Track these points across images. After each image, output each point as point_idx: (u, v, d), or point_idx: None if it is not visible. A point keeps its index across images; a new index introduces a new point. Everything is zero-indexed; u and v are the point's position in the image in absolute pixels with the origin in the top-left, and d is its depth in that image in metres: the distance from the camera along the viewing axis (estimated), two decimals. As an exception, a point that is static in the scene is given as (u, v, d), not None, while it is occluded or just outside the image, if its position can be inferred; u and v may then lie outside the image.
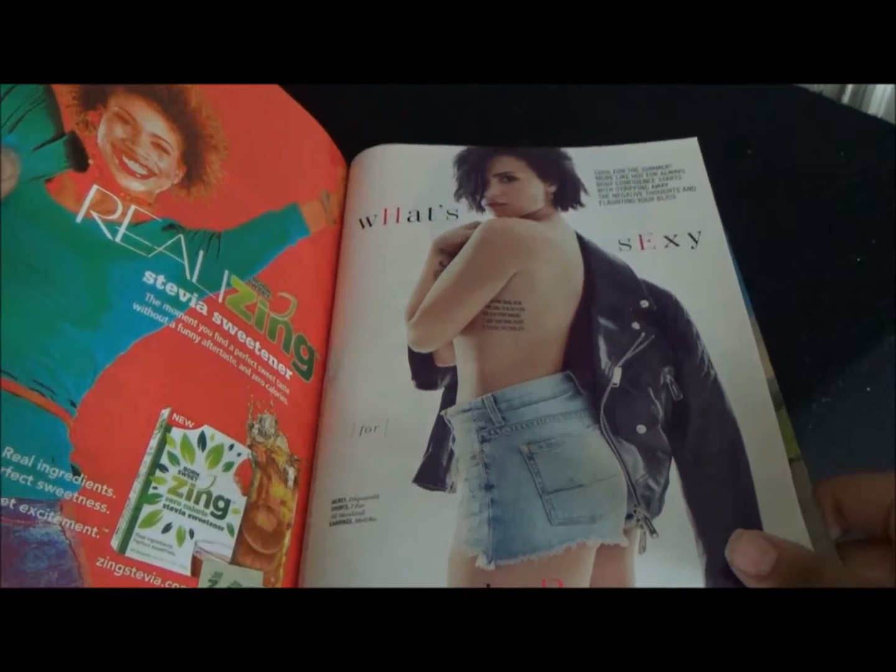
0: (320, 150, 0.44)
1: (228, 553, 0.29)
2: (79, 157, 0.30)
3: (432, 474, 0.33)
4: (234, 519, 0.30)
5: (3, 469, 0.23)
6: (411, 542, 0.31)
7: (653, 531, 0.31)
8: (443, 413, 0.35)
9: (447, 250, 0.40)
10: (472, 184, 0.43)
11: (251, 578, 0.29)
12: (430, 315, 0.38)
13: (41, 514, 0.24)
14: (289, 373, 0.35)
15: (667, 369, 0.35)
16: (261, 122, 0.40)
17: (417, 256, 0.40)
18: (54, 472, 0.24)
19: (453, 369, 0.36)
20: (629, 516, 0.31)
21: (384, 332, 0.37)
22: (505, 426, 0.34)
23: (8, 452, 0.24)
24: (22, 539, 0.23)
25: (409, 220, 0.41)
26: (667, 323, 0.37)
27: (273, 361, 0.35)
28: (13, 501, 0.23)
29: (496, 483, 0.32)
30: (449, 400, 0.35)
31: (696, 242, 0.40)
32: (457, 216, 0.41)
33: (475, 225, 0.41)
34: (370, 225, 0.42)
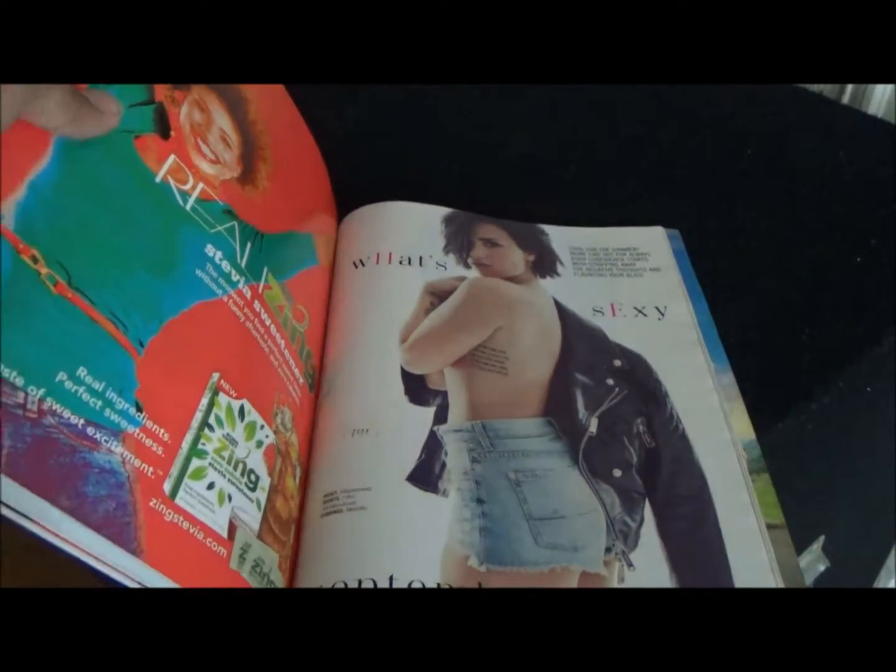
0: (327, 197, 0.48)
1: (256, 527, 0.29)
2: (163, 126, 0.31)
3: (425, 477, 0.34)
4: (262, 496, 0.30)
5: (75, 388, 0.23)
6: (403, 533, 0.32)
7: (630, 564, 0.33)
8: (435, 429, 0.36)
9: (437, 294, 0.43)
10: (459, 243, 0.46)
11: (270, 558, 0.30)
12: (423, 343, 0.40)
13: (105, 440, 0.24)
14: (301, 379, 0.37)
15: (639, 420, 0.38)
16: (293, 154, 0.43)
17: (409, 294, 0.42)
18: (120, 403, 0.25)
19: (445, 392, 0.38)
20: (608, 549, 0.33)
21: (378, 351, 0.39)
22: (493, 451, 0.36)
23: (82, 373, 0.24)
24: (86, 461, 0.23)
25: (400, 262, 0.44)
26: (638, 380, 0.40)
27: (292, 363, 0.36)
28: (82, 421, 0.23)
29: (486, 499, 0.34)
30: (441, 418, 0.37)
31: (663, 315, 0.43)
32: (445, 268, 0.44)
33: (463, 278, 0.44)
34: (363, 265, 0.44)
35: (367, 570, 0.31)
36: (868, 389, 0.44)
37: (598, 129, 0.58)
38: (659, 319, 0.43)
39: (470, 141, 0.57)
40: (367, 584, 0.30)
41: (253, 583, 0.28)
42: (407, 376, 0.38)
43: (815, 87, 0.61)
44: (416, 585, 0.30)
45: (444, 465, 0.35)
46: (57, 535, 0.21)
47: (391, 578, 0.30)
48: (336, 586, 0.30)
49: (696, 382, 0.39)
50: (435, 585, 0.30)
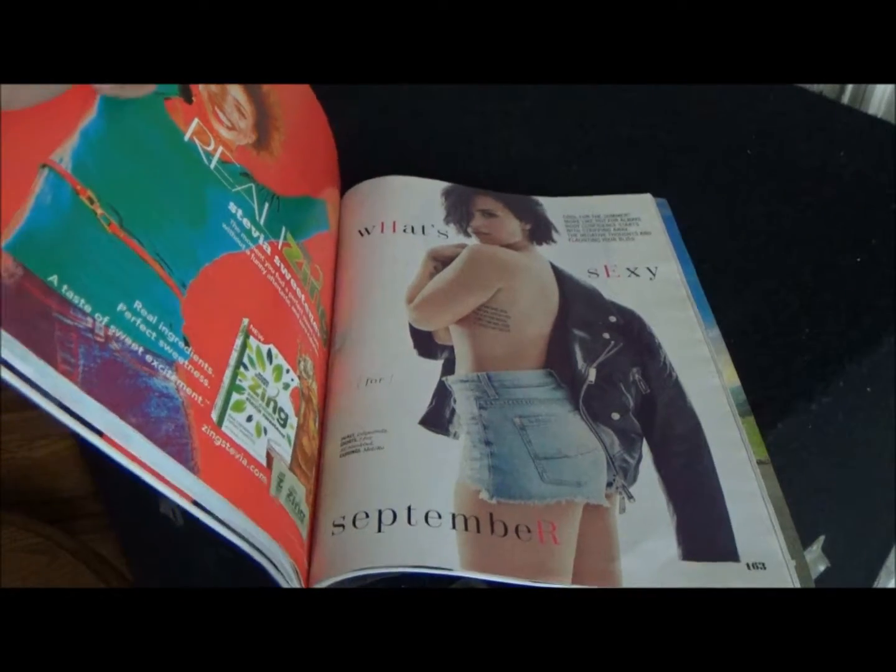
0: (335, 169, 0.50)
1: (288, 459, 0.32)
2: (187, 92, 0.33)
3: (436, 421, 0.37)
4: (291, 433, 0.33)
5: (133, 319, 0.25)
6: (419, 469, 0.34)
7: (630, 496, 0.35)
8: (444, 379, 0.39)
9: (440, 259, 0.45)
10: (459, 214, 0.49)
11: (300, 490, 0.32)
12: (429, 303, 0.43)
13: (162, 368, 0.26)
14: (319, 333, 0.39)
15: (635, 369, 0.40)
16: (305, 126, 0.45)
17: (414, 259, 0.45)
18: (171, 336, 0.27)
19: (451, 347, 0.40)
20: (609, 483, 0.35)
21: (388, 309, 0.42)
22: (498, 399, 0.38)
23: (138, 305, 0.26)
24: (148, 385, 0.25)
25: (404, 231, 0.46)
26: (632, 334, 0.42)
27: (311, 317, 0.38)
28: (141, 349, 0.25)
29: (494, 441, 0.36)
30: (449, 369, 0.39)
31: (654, 275, 0.46)
32: (447, 236, 0.47)
33: (464, 245, 0.46)
34: (369, 234, 0.47)
35: (387, 502, 0.33)
36: (868, 389, 0.44)
37: (597, 131, 0.58)
38: (650, 279, 0.46)
39: (460, 131, 0.57)
40: (388, 515, 0.32)
41: (288, 509, 0.30)
42: (415, 332, 0.41)
43: (815, 87, 0.61)
44: (433, 516, 0.32)
45: (453, 411, 0.37)
46: (125, 453, 0.23)
47: (409, 509, 0.32)
48: (358, 517, 0.32)
49: (687, 334, 0.42)
50: (450, 516, 0.32)
